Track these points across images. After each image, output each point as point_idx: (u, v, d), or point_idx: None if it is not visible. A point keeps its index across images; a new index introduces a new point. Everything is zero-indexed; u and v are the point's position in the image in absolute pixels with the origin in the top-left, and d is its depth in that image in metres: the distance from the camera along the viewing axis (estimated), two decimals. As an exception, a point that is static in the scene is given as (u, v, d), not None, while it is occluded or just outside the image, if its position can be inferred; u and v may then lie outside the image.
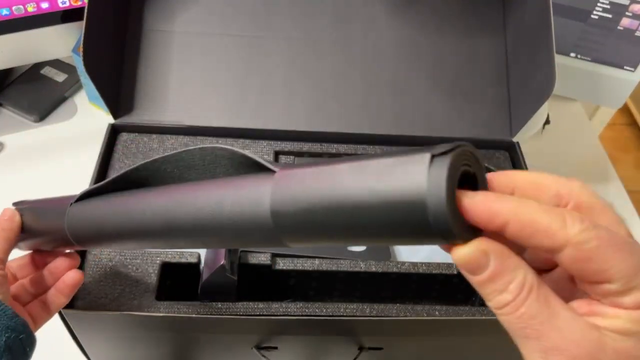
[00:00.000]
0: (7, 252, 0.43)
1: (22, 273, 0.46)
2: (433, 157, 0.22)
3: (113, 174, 0.51)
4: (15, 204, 0.47)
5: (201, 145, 0.34)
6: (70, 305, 0.48)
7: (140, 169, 0.38)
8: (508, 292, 0.22)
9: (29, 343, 0.39)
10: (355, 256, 0.56)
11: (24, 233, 0.45)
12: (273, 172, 0.29)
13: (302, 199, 0.26)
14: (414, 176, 0.22)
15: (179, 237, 0.34)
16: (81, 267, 0.51)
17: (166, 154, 0.36)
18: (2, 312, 0.37)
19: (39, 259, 0.47)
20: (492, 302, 0.23)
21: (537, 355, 0.22)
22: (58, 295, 0.45)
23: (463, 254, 0.23)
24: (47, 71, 0.87)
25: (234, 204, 0.30)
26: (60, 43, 0.79)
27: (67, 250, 0.47)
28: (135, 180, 0.39)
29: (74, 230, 0.41)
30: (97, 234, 0.39)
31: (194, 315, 0.48)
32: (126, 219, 0.37)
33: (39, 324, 0.45)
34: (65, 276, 0.45)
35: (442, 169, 0.22)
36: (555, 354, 0.22)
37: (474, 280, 0.23)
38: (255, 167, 0.31)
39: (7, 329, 0.37)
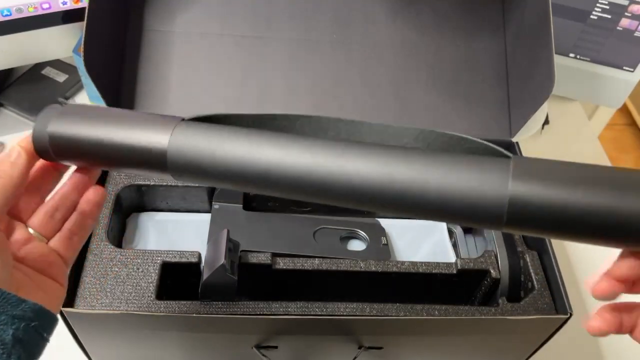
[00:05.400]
0: (2, 207, 0.34)
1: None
2: None
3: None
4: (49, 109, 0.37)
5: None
6: (70, 305, 0.49)
7: (279, 118, 0.36)
8: None
9: (46, 326, 0.33)
10: (355, 256, 0.57)
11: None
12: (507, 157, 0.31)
13: (550, 194, 0.29)
14: None
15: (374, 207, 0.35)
16: (81, 266, 0.51)
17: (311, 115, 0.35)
18: (4, 301, 0.31)
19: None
20: None
21: None
22: (85, 219, 0.39)
23: None
24: (48, 71, 0.87)
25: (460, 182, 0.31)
26: (61, 43, 0.79)
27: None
28: (268, 126, 0.36)
29: (182, 155, 0.35)
30: (226, 168, 0.35)
31: (194, 315, 0.48)
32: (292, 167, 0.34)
33: (69, 261, 0.39)
34: (86, 195, 0.39)
35: None
36: None
37: None
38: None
39: (13, 319, 0.31)
